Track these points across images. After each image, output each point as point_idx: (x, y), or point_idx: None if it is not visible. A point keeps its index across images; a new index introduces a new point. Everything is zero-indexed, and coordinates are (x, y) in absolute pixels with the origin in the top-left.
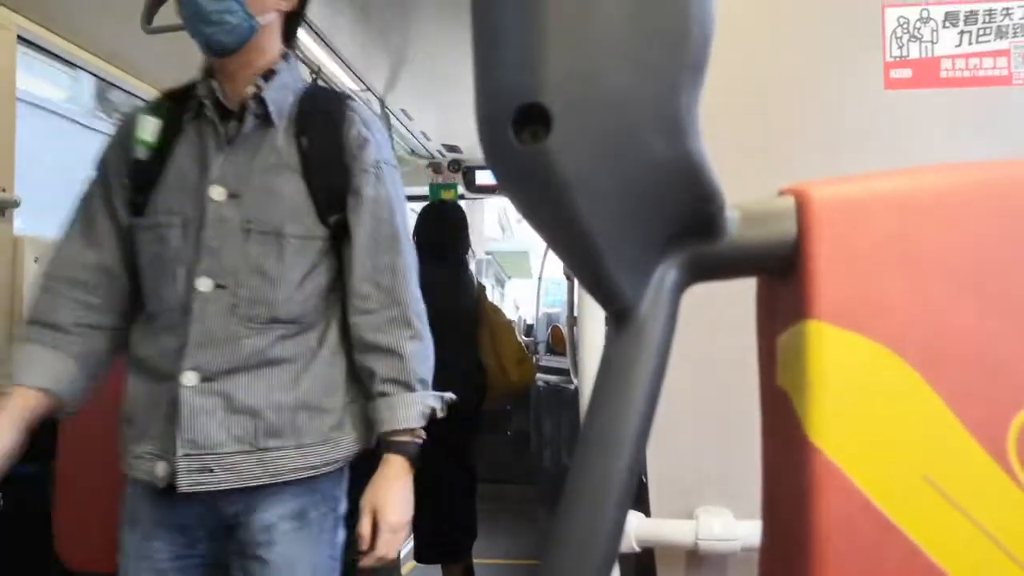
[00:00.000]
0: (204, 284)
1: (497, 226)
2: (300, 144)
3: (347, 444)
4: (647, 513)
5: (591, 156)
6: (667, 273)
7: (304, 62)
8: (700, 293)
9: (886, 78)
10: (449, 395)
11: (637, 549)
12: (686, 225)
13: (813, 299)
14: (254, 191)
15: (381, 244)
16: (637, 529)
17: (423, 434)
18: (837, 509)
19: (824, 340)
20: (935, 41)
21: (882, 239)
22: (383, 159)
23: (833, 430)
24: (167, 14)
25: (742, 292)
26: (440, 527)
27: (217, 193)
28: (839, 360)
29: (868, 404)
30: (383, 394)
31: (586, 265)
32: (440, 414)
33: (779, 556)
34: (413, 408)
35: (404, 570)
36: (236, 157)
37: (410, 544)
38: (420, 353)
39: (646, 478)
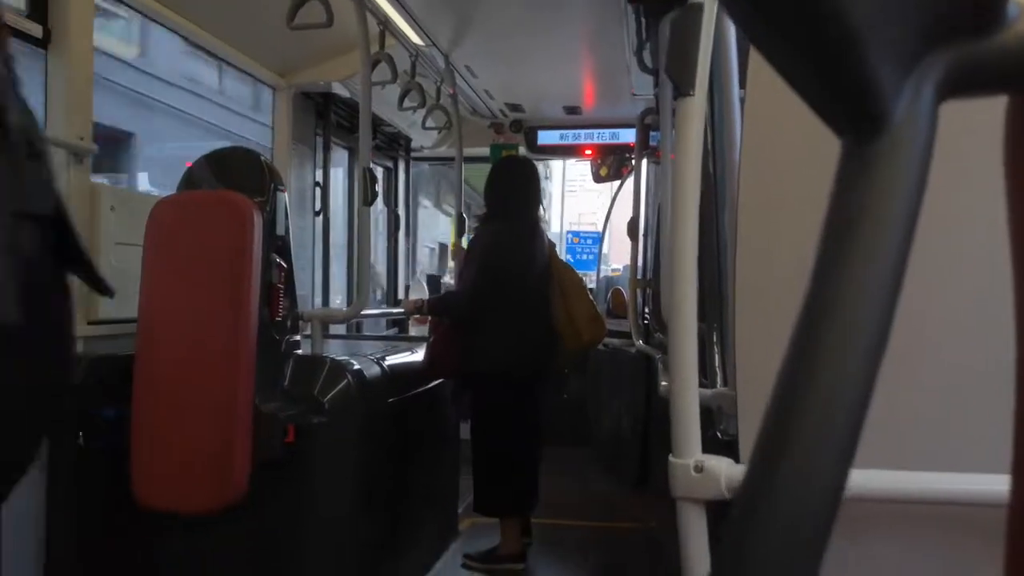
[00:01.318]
0: None
1: None
2: None
3: None
4: (736, 459)
5: None
6: (928, 74)
7: (371, 11)
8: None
9: None
10: None
11: (727, 496)
12: (959, 8)
13: None
14: None
15: None
16: (727, 475)
17: None
18: None
19: None
20: None
21: None
22: None
23: None
24: None
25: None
26: (501, 486)
27: None
28: None
29: None
30: None
31: (836, 57)
32: None
33: None
34: None
35: (463, 525)
36: None
37: (470, 498)
38: None
39: (734, 428)
